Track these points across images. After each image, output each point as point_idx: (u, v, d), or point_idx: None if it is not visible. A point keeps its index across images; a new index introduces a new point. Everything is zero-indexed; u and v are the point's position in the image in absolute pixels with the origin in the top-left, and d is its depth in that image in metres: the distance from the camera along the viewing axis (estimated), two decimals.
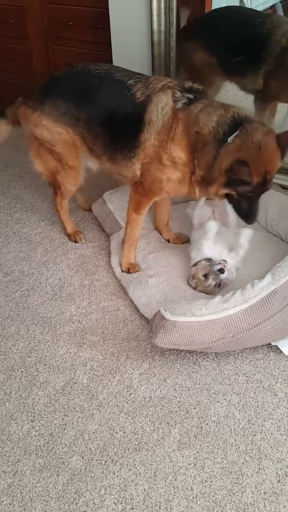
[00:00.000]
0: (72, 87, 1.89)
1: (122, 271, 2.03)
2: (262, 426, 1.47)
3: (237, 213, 1.75)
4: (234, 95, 2.56)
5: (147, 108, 1.73)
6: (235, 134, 1.59)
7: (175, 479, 1.35)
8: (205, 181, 1.70)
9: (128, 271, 2.02)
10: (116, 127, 1.83)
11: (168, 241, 2.22)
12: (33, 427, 1.50)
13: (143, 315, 1.87)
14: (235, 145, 1.58)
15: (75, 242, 2.30)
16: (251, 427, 1.47)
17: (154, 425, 1.49)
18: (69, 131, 1.91)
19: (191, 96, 1.70)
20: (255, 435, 1.45)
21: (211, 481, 1.34)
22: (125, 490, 1.33)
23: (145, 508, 1.29)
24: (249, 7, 2.57)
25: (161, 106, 1.70)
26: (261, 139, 1.58)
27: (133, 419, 1.51)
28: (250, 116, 1.65)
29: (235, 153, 1.56)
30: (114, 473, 1.37)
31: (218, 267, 1.82)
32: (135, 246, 2.05)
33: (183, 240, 2.19)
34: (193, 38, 2.46)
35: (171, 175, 1.76)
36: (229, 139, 1.59)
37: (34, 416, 1.53)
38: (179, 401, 1.56)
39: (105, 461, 1.40)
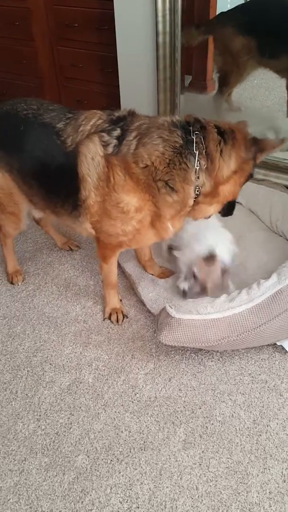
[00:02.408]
0: (1, 133, 1.66)
1: (104, 319, 1.89)
2: (268, 426, 1.48)
3: (225, 211, 1.63)
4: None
5: (77, 161, 1.51)
6: (195, 130, 1.43)
7: (181, 478, 1.35)
8: (205, 194, 1.49)
9: (110, 318, 1.87)
10: (51, 181, 1.63)
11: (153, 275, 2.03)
12: (39, 426, 1.51)
13: (148, 315, 1.88)
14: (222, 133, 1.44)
15: (11, 283, 2.10)
16: (256, 427, 1.47)
17: (159, 425, 1.49)
18: (5, 175, 1.70)
19: (118, 131, 1.49)
20: (260, 435, 1.45)
21: (216, 481, 1.34)
22: (130, 489, 1.33)
23: (150, 507, 1.29)
24: None
25: (91, 157, 1.49)
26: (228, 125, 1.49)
27: (138, 418, 1.52)
28: (184, 116, 1.48)
29: (239, 135, 1.44)
30: (120, 472, 1.37)
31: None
32: (116, 290, 1.89)
33: (168, 275, 2.02)
34: (233, 23, 2.52)
35: (126, 227, 1.55)
36: (194, 136, 1.41)
37: (40, 415, 1.54)
38: (184, 401, 1.56)
39: (111, 460, 1.41)
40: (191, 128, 1.43)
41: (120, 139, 1.47)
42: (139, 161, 1.43)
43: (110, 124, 1.51)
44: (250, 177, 1.55)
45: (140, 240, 1.64)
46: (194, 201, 1.51)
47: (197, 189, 1.47)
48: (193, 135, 1.42)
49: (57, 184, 1.62)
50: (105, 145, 1.49)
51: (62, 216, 1.70)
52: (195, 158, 1.42)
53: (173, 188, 1.45)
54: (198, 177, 1.44)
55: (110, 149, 1.48)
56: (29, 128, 1.59)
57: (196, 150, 1.41)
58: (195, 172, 1.43)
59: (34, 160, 1.61)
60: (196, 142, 1.42)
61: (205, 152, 1.42)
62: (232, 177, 1.49)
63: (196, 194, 1.48)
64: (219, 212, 1.63)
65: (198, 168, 1.43)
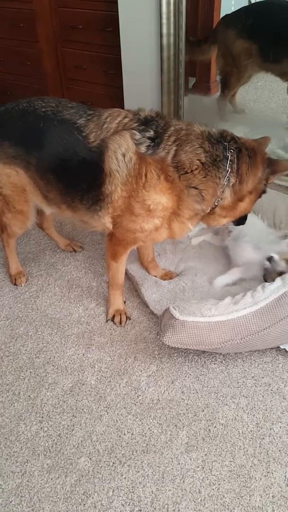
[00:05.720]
0: (18, 129, 1.65)
1: (107, 320, 1.89)
2: (271, 429, 1.47)
3: (237, 222, 1.72)
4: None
5: (104, 157, 1.52)
6: (230, 148, 1.50)
7: (183, 481, 1.35)
8: (223, 207, 1.58)
9: (113, 319, 1.88)
10: (71, 176, 1.64)
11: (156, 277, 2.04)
12: (41, 428, 1.51)
13: (151, 317, 1.88)
14: (251, 152, 1.53)
15: (15, 284, 2.10)
16: (259, 431, 1.47)
17: (162, 427, 1.49)
18: (20, 172, 1.70)
19: (151, 133, 1.51)
20: (263, 438, 1.45)
21: (219, 484, 1.34)
22: (132, 492, 1.33)
23: (152, 510, 1.29)
24: None
25: (121, 153, 1.51)
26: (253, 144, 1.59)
27: (141, 421, 1.51)
28: (216, 131, 1.54)
29: (259, 157, 1.54)
30: (122, 475, 1.37)
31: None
32: (122, 291, 1.91)
33: (171, 277, 2.04)
34: (235, 26, 2.56)
35: (146, 225, 1.59)
36: (229, 153, 1.49)
37: (42, 417, 1.54)
38: (187, 404, 1.56)
39: (113, 463, 1.40)
40: (227, 144, 1.50)
41: (156, 141, 1.50)
42: (180, 167, 1.48)
43: (140, 124, 1.54)
44: (262, 193, 1.64)
45: (155, 237, 1.68)
46: (210, 210, 1.58)
47: (216, 201, 1.54)
48: (228, 152, 1.49)
49: (77, 179, 1.63)
50: (137, 143, 1.51)
51: (79, 211, 1.70)
52: (226, 174, 1.48)
53: (204, 197, 1.52)
54: (223, 191, 1.52)
55: (143, 148, 1.50)
56: (49, 124, 1.60)
57: (228, 168, 1.49)
58: (222, 186, 1.51)
59: (54, 155, 1.61)
60: (230, 160, 1.49)
61: (237, 171, 1.50)
62: (248, 196, 1.58)
63: (214, 205, 1.55)
64: (233, 222, 1.70)
65: (225, 183, 1.50)
